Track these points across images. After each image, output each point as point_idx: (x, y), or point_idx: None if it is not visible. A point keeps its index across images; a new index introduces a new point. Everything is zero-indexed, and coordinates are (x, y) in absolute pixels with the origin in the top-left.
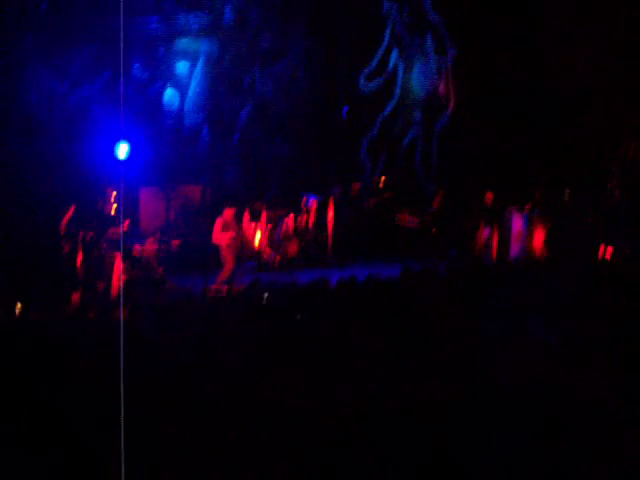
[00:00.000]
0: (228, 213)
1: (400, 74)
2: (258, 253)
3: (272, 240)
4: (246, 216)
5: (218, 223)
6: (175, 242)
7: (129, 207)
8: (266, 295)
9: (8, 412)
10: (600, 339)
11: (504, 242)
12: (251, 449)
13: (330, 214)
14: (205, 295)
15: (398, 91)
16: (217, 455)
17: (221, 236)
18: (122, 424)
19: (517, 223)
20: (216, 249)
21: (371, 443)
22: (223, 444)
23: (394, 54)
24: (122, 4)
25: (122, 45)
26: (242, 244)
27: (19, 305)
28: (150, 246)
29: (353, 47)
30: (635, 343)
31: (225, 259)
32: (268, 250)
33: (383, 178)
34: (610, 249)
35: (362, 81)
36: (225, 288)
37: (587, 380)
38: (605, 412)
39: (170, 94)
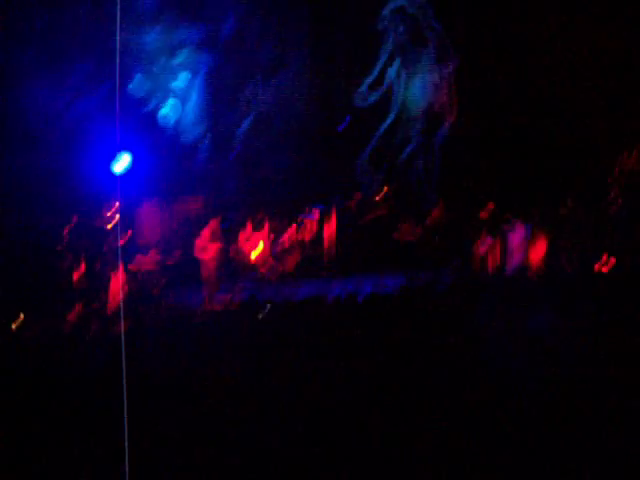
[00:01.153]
0: (213, 224)
1: (401, 85)
2: (258, 265)
3: (272, 252)
4: (246, 229)
5: (204, 235)
6: (175, 255)
7: (129, 220)
8: (267, 307)
9: (8, 424)
10: (601, 350)
11: (505, 253)
12: (249, 459)
13: (331, 226)
14: (205, 308)
15: (399, 102)
16: (215, 464)
17: (207, 248)
18: (126, 438)
19: (518, 234)
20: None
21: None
22: (221, 457)
23: (395, 65)
24: (118, 17)
25: (121, 59)
26: (242, 257)
27: (18, 319)
28: (150, 259)
29: (354, 58)
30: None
31: (210, 272)
32: (268, 262)
33: (384, 189)
34: (612, 260)
35: (363, 92)
36: (226, 301)
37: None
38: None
39: (170, 106)
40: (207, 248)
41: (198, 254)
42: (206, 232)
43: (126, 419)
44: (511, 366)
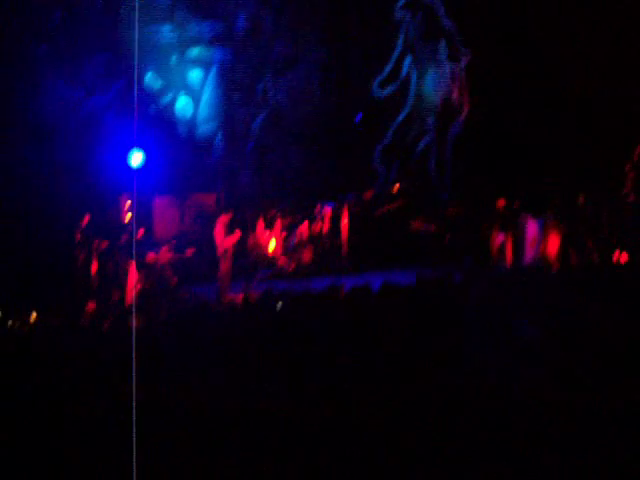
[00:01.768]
0: (227, 218)
1: (413, 81)
2: (272, 260)
3: (287, 247)
4: (260, 223)
5: (220, 227)
6: (189, 250)
7: (143, 215)
8: (280, 303)
9: (24, 418)
10: (614, 344)
11: (518, 248)
12: (265, 453)
13: (344, 221)
14: (220, 303)
15: (411, 98)
16: (232, 459)
17: (225, 240)
18: (134, 430)
19: (531, 229)
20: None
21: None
22: (237, 449)
23: (407, 61)
24: (137, 14)
25: (136, 54)
26: (257, 251)
27: (34, 314)
28: (164, 254)
29: (366, 54)
30: None
31: (226, 264)
32: (283, 257)
33: (397, 185)
34: (625, 255)
35: (376, 88)
36: (241, 295)
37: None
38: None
39: (183, 102)
40: (223, 242)
41: (216, 248)
42: (220, 227)
43: (134, 416)
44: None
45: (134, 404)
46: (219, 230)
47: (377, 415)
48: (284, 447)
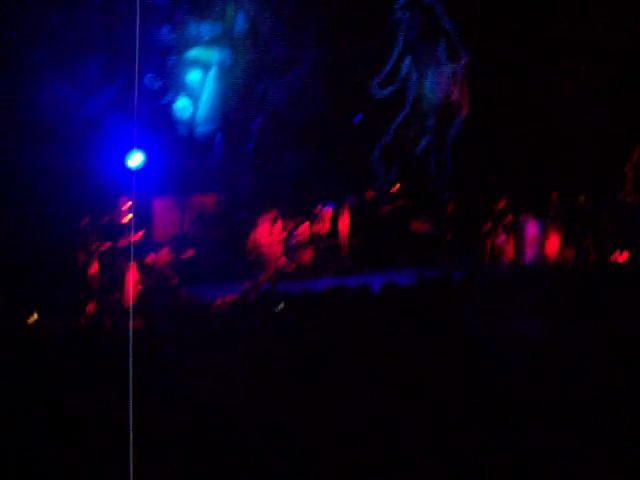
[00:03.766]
0: (270, 216)
1: (413, 81)
2: (273, 261)
3: (287, 248)
4: (260, 225)
5: (264, 226)
6: (189, 252)
7: (143, 217)
8: (282, 304)
9: (23, 418)
10: (612, 342)
11: (518, 248)
12: (263, 453)
13: (345, 222)
14: (220, 304)
15: (411, 98)
16: (230, 460)
17: (267, 239)
18: (131, 431)
19: (531, 229)
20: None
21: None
22: (235, 450)
23: (407, 61)
24: (138, 14)
25: (137, 54)
26: (257, 252)
27: (35, 315)
28: (164, 256)
29: (366, 55)
30: None
31: (267, 262)
32: (283, 258)
33: (397, 185)
34: (625, 254)
35: (375, 89)
36: (243, 296)
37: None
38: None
39: (183, 104)
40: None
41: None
42: (266, 223)
43: (131, 418)
44: (517, 362)
45: (131, 404)
46: (263, 229)
47: (376, 415)
48: (281, 449)
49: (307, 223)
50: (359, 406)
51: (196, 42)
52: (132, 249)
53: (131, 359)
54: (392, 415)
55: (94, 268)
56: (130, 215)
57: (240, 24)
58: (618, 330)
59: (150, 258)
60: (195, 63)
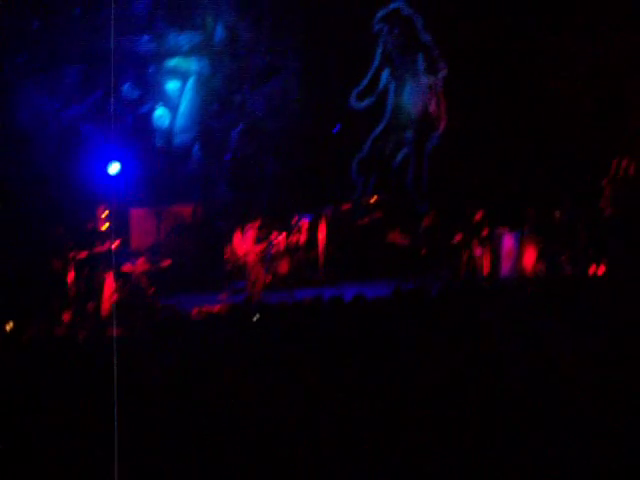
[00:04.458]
0: (247, 226)
1: (391, 93)
2: (250, 271)
3: (263, 259)
4: (237, 235)
5: (241, 236)
6: (166, 261)
7: (120, 226)
8: (257, 315)
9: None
10: (590, 356)
11: (495, 261)
12: (245, 465)
13: (321, 233)
14: (197, 314)
15: (389, 110)
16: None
17: (244, 249)
18: (115, 444)
19: (508, 242)
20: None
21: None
22: (217, 463)
23: (385, 74)
24: (112, 24)
25: (113, 63)
26: (233, 262)
27: (9, 324)
28: (141, 265)
29: (344, 66)
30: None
31: (244, 272)
32: (259, 269)
33: (374, 197)
34: (602, 268)
35: (353, 100)
36: (217, 307)
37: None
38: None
39: (161, 113)
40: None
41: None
42: (252, 232)
43: (116, 425)
44: (505, 370)
45: (115, 415)
46: (247, 237)
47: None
48: (260, 457)
49: (284, 234)
50: (337, 413)
51: (175, 51)
52: (111, 258)
53: (116, 369)
54: (366, 417)
55: (70, 276)
56: (107, 224)
57: (219, 34)
58: (592, 344)
59: (126, 267)
60: (174, 72)
